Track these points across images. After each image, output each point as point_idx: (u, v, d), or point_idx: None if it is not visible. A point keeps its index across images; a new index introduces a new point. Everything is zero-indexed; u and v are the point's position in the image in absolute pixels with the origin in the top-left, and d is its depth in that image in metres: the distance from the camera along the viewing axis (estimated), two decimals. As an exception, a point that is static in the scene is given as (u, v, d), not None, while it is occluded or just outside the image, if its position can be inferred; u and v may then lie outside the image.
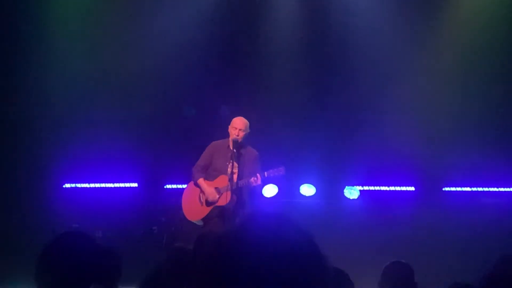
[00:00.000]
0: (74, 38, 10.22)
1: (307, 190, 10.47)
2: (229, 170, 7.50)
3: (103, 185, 10.71)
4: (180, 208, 7.91)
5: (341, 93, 10.49)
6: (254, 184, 7.31)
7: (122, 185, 10.72)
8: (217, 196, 7.55)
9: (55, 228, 8.67)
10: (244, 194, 7.57)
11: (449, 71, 10.23)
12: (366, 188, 10.61)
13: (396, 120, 10.20)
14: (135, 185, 10.72)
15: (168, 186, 10.62)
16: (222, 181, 7.56)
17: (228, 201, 7.41)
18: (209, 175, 7.72)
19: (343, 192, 10.47)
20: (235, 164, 7.49)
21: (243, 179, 7.44)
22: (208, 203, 7.61)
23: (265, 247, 1.43)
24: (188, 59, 10.34)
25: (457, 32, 10.29)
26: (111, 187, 10.71)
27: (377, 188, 10.66)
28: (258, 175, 7.28)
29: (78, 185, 10.70)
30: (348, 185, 10.51)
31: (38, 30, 10.15)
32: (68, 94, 10.25)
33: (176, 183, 10.27)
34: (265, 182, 7.60)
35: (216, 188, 7.60)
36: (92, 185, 10.71)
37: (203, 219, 7.64)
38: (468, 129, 10.18)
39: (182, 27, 10.25)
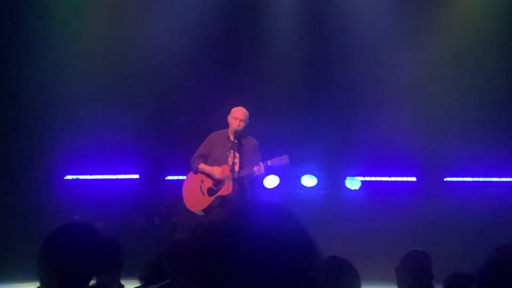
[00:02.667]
0: (76, 34, 10.22)
1: (309, 181, 10.47)
2: (230, 160, 7.50)
3: (104, 176, 10.73)
4: (181, 199, 7.91)
5: (342, 84, 10.49)
6: (258, 173, 7.30)
7: (123, 176, 10.73)
8: (225, 170, 7.53)
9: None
10: (245, 183, 7.57)
11: (450, 61, 10.21)
12: (367, 178, 10.62)
13: (397, 110, 10.19)
14: (136, 176, 10.73)
15: (169, 178, 10.63)
16: (223, 170, 7.56)
17: (230, 191, 7.42)
18: (208, 165, 7.71)
19: (344, 183, 10.48)
20: (236, 154, 7.49)
21: (244, 168, 7.44)
22: (210, 193, 7.62)
23: (256, 236, 1.42)
24: (189, 52, 10.34)
25: (459, 24, 10.27)
26: (112, 179, 10.73)
27: (378, 178, 10.67)
28: (261, 164, 7.28)
29: (80, 177, 10.72)
30: (350, 176, 10.52)
31: (41, 26, 10.16)
32: (69, 87, 10.24)
33: (177, 174, 10.27)
34: (269, 170, 7.59)
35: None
36: (93, 176, 10.72)
37: (205, 209, 7.64)
38: (469, 119, 10.17)
39: (184, 23, 10.26)
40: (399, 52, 10.21)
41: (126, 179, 10.74)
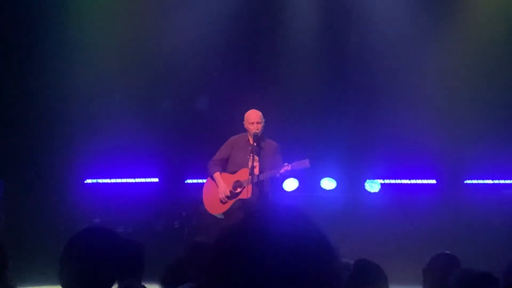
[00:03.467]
0: (94, 34, 10.25)
1: (328, 184, 10.44)
2: (250, 163, 7.50)
3: (124, 180, 10.76)
4: (201, 202, 7.93)
5: (362, 86, 10.46)
6: (283, 171, 7.28)
7: (143, 180, 10.76)
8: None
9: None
10: (266, 187, 7.57)
11: (471, 63, 10.13)
12: (387, 181, 10.57)
13: (417, 113, 10.14)
14: (156, 180, 10.75)
15: (189, 181, 10.64)
16: (243, 174, 7.57)
17: (250, 195, 7.42)
18: (229, 170, 7.73)
19: (364, 186, 10.44)
20: (256, 158, 7.49)
21: (264, 172, 7.44)
22: (230, 196, 7.63)
23: (274, 240, 1.43)
24: (208, 55, 10.35)
25: (481, 24, 10.19)
26: (132, 182, 10.76)
27: (398, 181, 10.61)
28: (287, 163, 7.28)
29: (100, 181, 10.76)
30: (369, 179, 10.47)
31: (59, 27, 10.20)
32: (89, 90, 10.29)
33: (197, 178, 10.28)
34: (289, 174, 7.58)
35: (237, 181, 7.61)
36: (113, 180, 10.76)
37: (225, 213, 7.65)
38: (489, 121, 10.10)
39: (203, 25, 10.25)
40: (419, 54, 10.17)
41: (146, 182, 10.77)
